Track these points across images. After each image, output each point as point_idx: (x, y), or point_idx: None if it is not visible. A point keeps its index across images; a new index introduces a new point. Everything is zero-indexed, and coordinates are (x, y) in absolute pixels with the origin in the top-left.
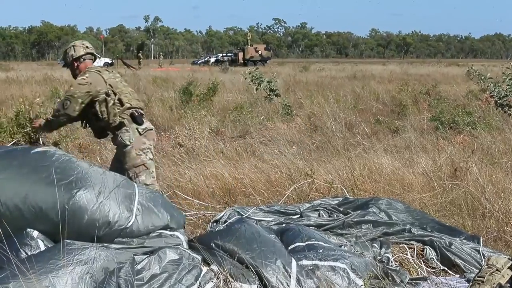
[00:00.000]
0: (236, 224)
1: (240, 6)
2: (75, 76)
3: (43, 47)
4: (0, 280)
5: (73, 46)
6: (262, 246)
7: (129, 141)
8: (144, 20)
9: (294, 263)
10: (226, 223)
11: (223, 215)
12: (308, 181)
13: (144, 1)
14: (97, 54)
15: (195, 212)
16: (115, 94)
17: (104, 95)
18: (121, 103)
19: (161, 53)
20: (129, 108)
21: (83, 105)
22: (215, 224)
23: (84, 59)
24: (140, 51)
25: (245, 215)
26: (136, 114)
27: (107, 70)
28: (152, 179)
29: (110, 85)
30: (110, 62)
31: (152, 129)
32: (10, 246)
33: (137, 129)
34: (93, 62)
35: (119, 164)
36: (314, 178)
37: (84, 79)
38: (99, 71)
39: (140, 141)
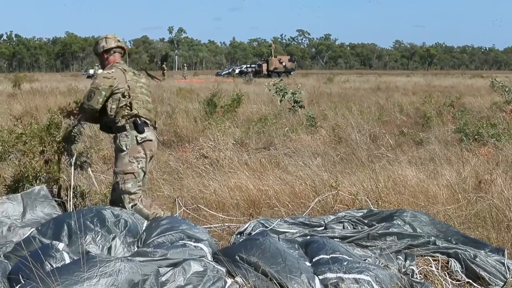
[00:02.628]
0: (261, 237)
1: (264, 17)
2: (103, 67)
3: (67, 58)
4: None
5: (105, 38)
6: (287, 261)
7: (126, 147)
8: (168, 31)
9: (317, 279)
10: (250, 235)
11: (247, 227)
12: (332, 193)
13: (168, 12)
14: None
15: (220, 224)
16: (129, 96)
17: (120, 94)
18: (130, 107)
19: (185, 64)
20: (135, 116)
21: (105, 98)
22: (239, 236)
23: (114, 52)
24: (164, 62)
25: (270, 227)
26: (139, 122)
27: (133, 72)
28: (137, 188)
29: (128, 86)
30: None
31: (151, 140)
32: (35, 258)
33: (136, 137)
34: (122, 56)
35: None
36: (338, 190)
37: (109, 73)
38: (124, 69)
39: (135, 149)
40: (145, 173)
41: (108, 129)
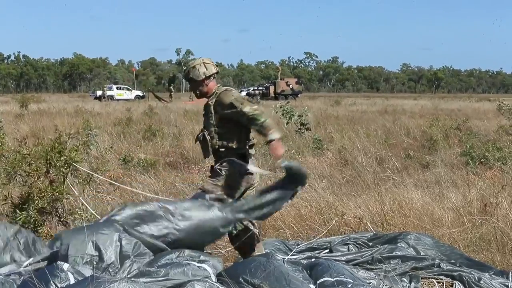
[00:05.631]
0: (265, 260)
1: (272, 40)
2: (202, 94)
3: (74, 79)
4: None
5: (204, 63)
6: (291, 284)
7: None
8: (175, 53)
9: None
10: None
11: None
12: (338, 218)
13: (175, 34)
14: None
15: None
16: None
17: None
18: (247, 135)
19: None
20: (252, 145)
21: None
22: None
23: (214, 77)
24: (172, 84)
25: (286, 258)
26: (246, 155)
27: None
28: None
29: None
30: (141, 94)
31: (252, 174)
32: (40, 277)
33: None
34: None
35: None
36: (344, 214)
37: (239, 95)
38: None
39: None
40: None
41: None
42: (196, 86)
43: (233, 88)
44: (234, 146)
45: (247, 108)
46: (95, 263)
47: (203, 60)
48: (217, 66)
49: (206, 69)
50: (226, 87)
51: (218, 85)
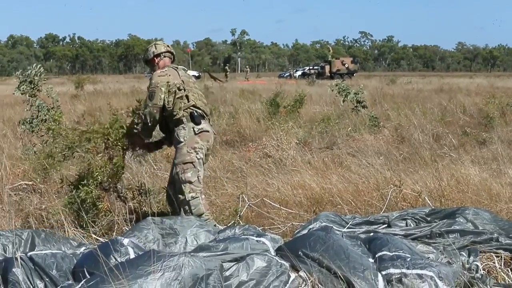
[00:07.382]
0: (324, 234)
1: (326, 20)
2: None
3: (130, 60)
4: (92, 285)
5: (155, 44)
6: (350, 258)
7: (183, 139)
8: (230, 34)
9: (380, 275)
10: (313, 229)
11: (313, 226)
12: (394, 189)
13: (230, 15)
14: (174, 53)
15: (283, 221)
16: (184, 90)
17: (176, 88)
18: (187, 99)
19: (247, 66)
20: (193, 106)
21: (166, 94)
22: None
23: (164, 56)
24: (227, 64)
25: (335, 223)
26: (196, 114)
27: (183, 69)
28: (198, 177)
29: (182, 81)
30: (197, 75)
31: (208, 131)
32: (102, 250)
33: (193, 128)
34: (172, 61)
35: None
36: (402, 189)
37: (163, 71)
38: (176, 67)
39: (193, 140)
40: (204, 163)
41: (167, 130)
42: (149, 66)
43: (166, 67)
44: (177, 111)
45: (146, 100)
46: None
47: (156, 42)
48: (168, 46)
49: (155, 49)
50: (163, 70)
51: (169, 66)
